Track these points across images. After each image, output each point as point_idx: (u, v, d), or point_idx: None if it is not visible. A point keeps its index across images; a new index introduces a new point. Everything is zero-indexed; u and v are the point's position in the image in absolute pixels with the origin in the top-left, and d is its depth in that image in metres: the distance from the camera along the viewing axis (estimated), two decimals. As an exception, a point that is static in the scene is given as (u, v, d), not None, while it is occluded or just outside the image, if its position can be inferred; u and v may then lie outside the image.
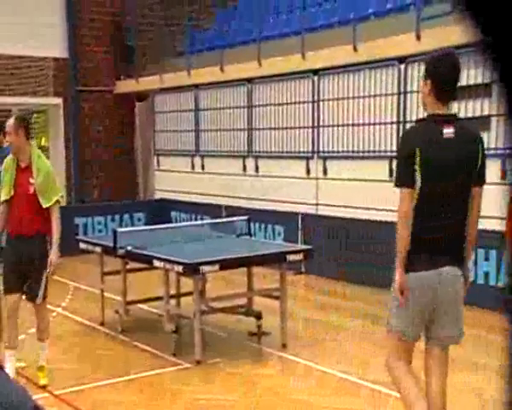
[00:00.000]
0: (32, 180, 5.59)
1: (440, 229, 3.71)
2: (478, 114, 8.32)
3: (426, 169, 3.68)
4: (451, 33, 8.33)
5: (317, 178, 10.46)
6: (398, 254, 3.79)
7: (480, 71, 8.23)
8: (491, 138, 7.80)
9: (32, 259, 5.57)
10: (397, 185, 3.80)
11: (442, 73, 3.76)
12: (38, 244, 5.60)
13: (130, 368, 6.20)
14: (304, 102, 10.66)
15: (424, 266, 3.71)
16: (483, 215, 4.02)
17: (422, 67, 8.91)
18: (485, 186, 3.90)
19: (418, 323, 3.82)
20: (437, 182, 3.71)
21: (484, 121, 8.29)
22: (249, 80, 11.67)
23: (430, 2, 9.27)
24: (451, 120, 3.81)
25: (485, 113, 8.20)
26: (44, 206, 5.57)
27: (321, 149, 10.38)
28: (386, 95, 9.38)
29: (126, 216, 12.78)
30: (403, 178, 3.76)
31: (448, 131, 3.72)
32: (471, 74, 8.37)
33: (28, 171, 5.61)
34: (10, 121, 5.71)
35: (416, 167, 3.69)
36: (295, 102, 10.82)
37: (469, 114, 8.37)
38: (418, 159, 3.67)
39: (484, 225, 6.52)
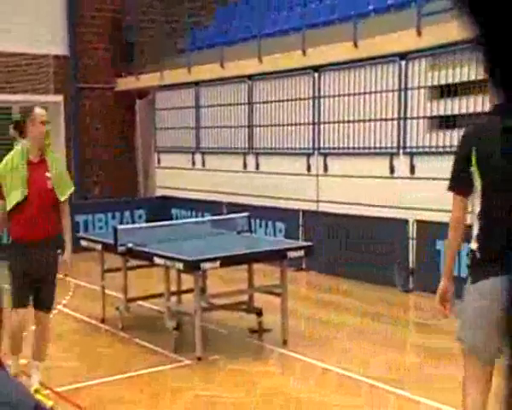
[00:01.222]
0: (48, 174, 5.17)
1: (509, 231, 3.33)
2: (479, 110, 8.30)
3: (485, 168, 3.37)
4: (452, 29, 8.30)
5: (317, 175, 10.43)
6: (445, 262, 3.65)
7: (480, 67, 8.20)
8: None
9: (44, 266, 5.18)
10: (449, 189, 3.56)
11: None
12: (51, 249, 5.25)
13: (130, 365, 6.19)
14: (304, 99, 10.63)
15: (494, 272, 3.33)
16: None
17: (424, 63, 8.95)
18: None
19: (490, 339, 3.37)
20: (499, 180, 3.32)
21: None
22: (250, 77, 11.65)
23: (431, -1, 9.22)
24: None
25: (486, 109, 8.16)
26: (62, 199, 5.23)
27: (321, 145, 10.36)
28: (386, 91, 9.35)
29: (127, 213, 12.76)
30: (454, 182, 3.52)
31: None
32: (471, 71, 8.34)
33: (43, 165, 5.19)
34: (42, 111, 5.26)
35: (473, 169, 3.39)
36: (296, 99, 10.79)
37: (470, 110, 8.35)
38: (474, 159, 3.37)
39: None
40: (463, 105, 8.46)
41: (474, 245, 3.46)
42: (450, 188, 3.54)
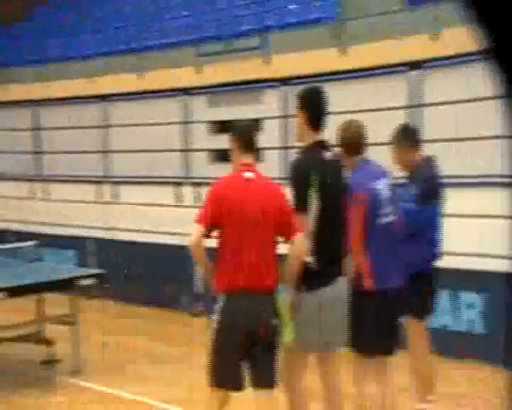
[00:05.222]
0: None
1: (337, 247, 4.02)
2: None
3: (323, 194, 3.87)
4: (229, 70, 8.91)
5: (109, 203, 10.35)
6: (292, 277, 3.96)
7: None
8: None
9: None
10: (298, 211, 3.89)
11: (318, 105, 4.02)
12: None
13: None
14: (93, 128, 10.68)
15: (329, 280, 3.91)
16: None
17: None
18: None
19: (325, 335, 3.98)
20: (331, 205, 3.93)
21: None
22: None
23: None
24: (328, 145, 4.09)
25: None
26: None
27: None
28: (168, 124, 9.62)
29: None
30: (303, 205, 3.90)
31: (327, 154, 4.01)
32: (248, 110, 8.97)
33: None
34: None
35: (313, 193, 3.85)
36: (84, 127, 10.84)
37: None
38: (315, 185, 3.85)
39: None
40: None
41: (308, 259, 3.86)
42: (300, 210, 3.86)
